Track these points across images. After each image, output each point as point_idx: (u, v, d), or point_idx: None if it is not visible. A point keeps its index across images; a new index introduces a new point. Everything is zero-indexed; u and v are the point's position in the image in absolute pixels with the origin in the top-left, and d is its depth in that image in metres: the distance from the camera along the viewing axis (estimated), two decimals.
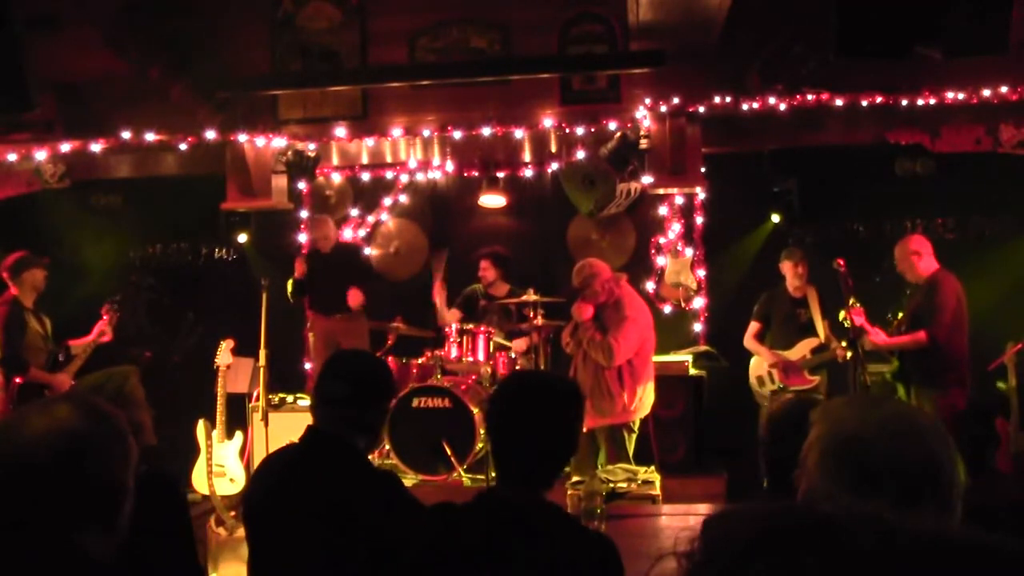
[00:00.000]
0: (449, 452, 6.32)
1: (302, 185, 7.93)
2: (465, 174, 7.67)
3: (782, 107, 6.73)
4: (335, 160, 7.73)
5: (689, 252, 7.56)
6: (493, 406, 2.43)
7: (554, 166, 7.50)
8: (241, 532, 6.20)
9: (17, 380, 6.26)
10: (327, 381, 2.89)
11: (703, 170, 6.96)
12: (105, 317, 6.68)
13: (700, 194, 7.46)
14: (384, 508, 2.67)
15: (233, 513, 6.34)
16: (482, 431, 6.45)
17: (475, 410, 6.48)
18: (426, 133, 7.46)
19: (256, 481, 2.95)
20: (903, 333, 6.01)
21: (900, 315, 6.12)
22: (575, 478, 5.33)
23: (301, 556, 2.68)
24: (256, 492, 2.90)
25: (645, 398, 6.07)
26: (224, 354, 6.49)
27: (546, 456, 2.32)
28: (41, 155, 7.44)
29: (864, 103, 6.69)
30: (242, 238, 7.69)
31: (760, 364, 6.82)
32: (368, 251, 8.08)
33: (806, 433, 2.69)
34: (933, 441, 1.52)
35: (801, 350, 6.64)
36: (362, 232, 8.09)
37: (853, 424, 1.57)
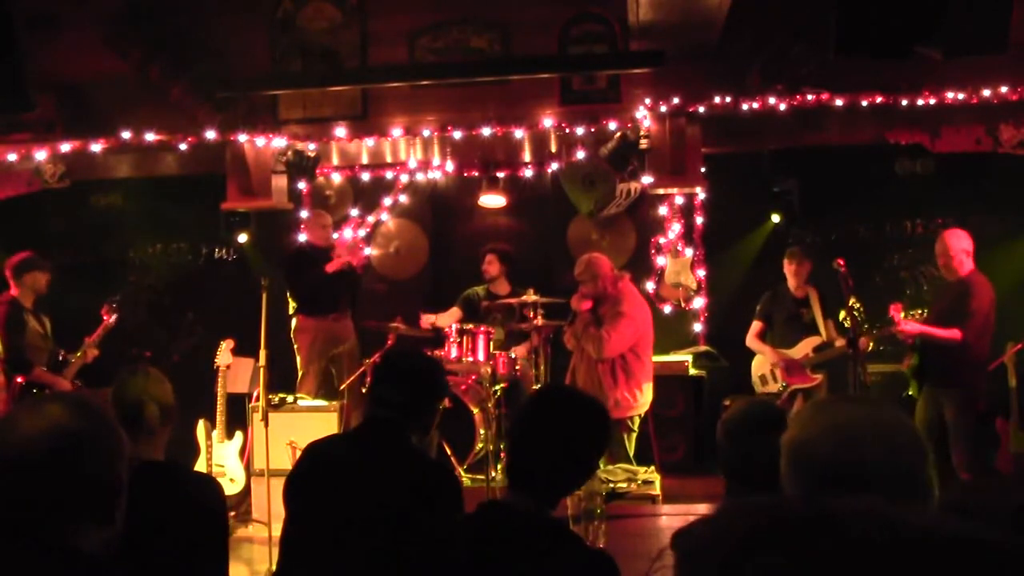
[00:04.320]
0: (449, 452, 6.32)
1: (302, 185, 7.93)
2: (465, 174, 7.66)
3: (782, 107, 6.73)
4: (335, 160, 7.73)
5: (689, 252, 7.56)
6: (521, 415, 2.42)
7: (554, 166, 7.50)
8: (241, 532, 6.22)
9: (19, 380, 6.26)
10: (381, 385, 2.98)
11: (703, 170, 6.97)
12: (106, 318, 6.69)
13: (700, 194, 7.46)
14: (430, 496, 2.71)
15: (233, 513, 6.34)
16: (482, 431, 6.45)
17: (475, 410, 6.48)
18: (426, 133, 7.46)
19: (306, 460, 2.98)
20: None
21: (919, 312, 6.09)
22: None
23: (345, 536, 2.69)
24: (306, 471, 2.94)
25: (640, 398, 6.06)
26: (224, 354, 6.49)
27: (562, 474, 2.30)
28: (41, 155, 7.44)
29: (864, 103, 6.69)
30: (242, 238, 7.69)
31: (763, 363, 6.82)
32: (368, 251, 8.07)
33: (760, 436, 2.70)
34: (881, 450, 1.52)
35: (803, 348, 6.64)
36: (362, 232, 8.09)
37: (806, 430, 1.60)
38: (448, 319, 7.17)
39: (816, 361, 6.61)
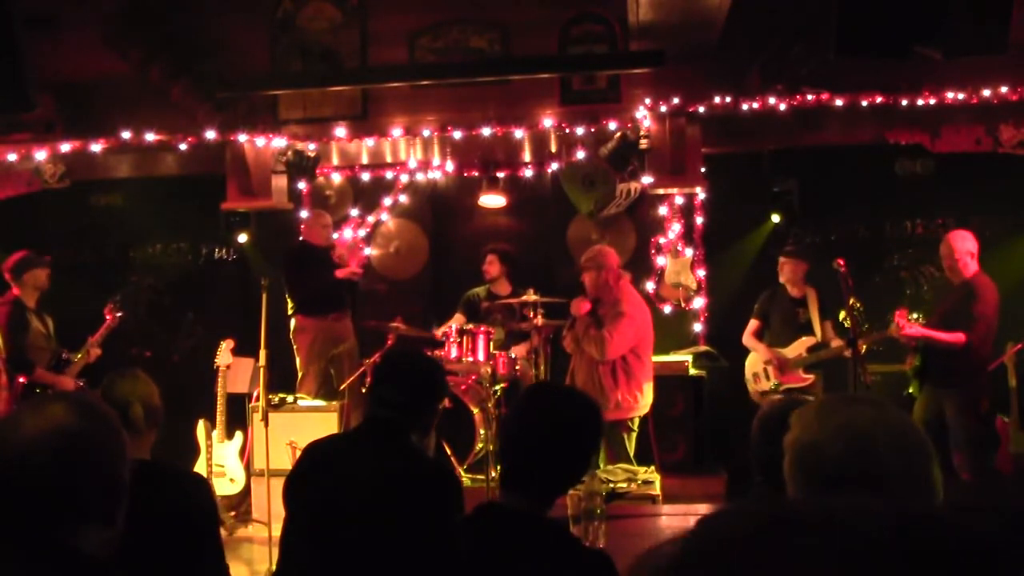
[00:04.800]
0: (449, 452, 6.32)
1: (302, 185, 7.93)
2: (465, 174, 7.66)
3: (782, 107, 6.74)
4: (335, 160, 7.73)
5: (689, 252, 7.56)
6: (512, 414, 2.41)
7: (554, 166, 7.50)
8: (241, 532, 6.22)
9: (21, 380, 6.26)
10: (381, 385, 2.98)
11: (703, 170, 6.97)
12: (109, 318, 6.68)
13: (700, 194, 7.46)
14: (431, 496, 2.71)
15: (233, 513, 6.34)
16: (482, 431, 6.45)
17: (475, 410, 6.48)
18: (426, 133, 7.46)
19: (306, 460, 2.98)
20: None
21: (916, 316, 6.08)
22: None
23: (345, 537, 2.69)
24: (306, 471, 2.94)
25: (641, 399, 6.06)
26: (224, 354, 6.49)
27: (556, 472, 2.29)
28: (41, 155, 7.44)
29: (864, 103, 6.70)
30: (242, 238, 7.69)
31: (756, 361, 6.82)
32: (368, 251, 8.07)
33: None
34: (890, 451, 1.51)
35: (797, 348, 6.65)
36: (362, 232, 8.09)
37: (812, 431, 1.58)
38: (454, 323, 7.17)
39: (809, 361, 6.61)
